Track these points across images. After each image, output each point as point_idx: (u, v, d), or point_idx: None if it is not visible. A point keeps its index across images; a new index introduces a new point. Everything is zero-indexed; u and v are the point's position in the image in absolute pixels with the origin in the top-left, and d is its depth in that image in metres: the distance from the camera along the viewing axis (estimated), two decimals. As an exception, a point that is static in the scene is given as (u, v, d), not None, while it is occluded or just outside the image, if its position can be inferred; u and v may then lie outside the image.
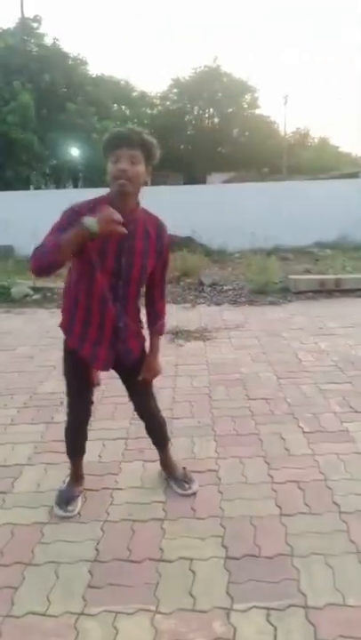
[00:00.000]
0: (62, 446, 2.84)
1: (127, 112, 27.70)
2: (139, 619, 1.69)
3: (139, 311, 2.12)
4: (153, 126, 30.65)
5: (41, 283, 7.84)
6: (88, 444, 2.84)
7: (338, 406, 3.26)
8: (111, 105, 26.09)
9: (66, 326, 2.07)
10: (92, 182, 21.60)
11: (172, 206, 8.16)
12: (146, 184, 1.89)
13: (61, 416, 3.26)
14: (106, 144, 1.85)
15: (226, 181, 23.40)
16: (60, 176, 23.27)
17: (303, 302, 6.55)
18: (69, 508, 2.25)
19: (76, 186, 24.80)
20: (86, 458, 2.70)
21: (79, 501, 2.31)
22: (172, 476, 2.43)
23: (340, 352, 4.36)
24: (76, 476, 2.39)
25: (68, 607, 1.75)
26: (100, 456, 2.74)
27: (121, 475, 2.55)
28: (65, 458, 2.71)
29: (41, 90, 20.74)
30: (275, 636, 1.60)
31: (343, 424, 3.01)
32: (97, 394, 3.57)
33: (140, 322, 2.14)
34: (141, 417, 2.38)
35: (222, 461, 2.64)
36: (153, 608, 1.73)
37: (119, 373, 2.25)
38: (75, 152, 21.50)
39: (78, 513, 2.25)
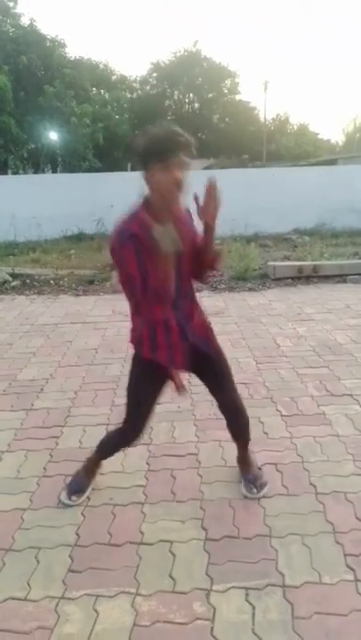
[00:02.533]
0: (42, 432, 2.86)
1: (106, 96, 27.25)
2: (119, 601, 1.71)
3: (195, 299, 2.03)
4: (133, 111, 30.30)
5: (20, 269, 7.74)
6: (69, 430, 2.86)
7: (315, 390, 3.31)
8: (90, 88, 25.65)
9: (136, 341, 2.01)
10: (71, 166, 21.30)
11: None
12: None
13: (41, 402, 3.26)
14: (155, 147, 1.66)
15: (206, 168, 23.29)
16: (39, 160, 22.86)
17: (282, 288, 6.59)
18: (73, 497, 2.23)
19: (55, 170, 24.41)
20: (67, 444, 2.72)
21: (86, 495, 2.27)
22: (244, 474, 2.32)
23: (317, 337, 4.42)
24: (94, 471, 2.33)
25: (49, 592, 1.76)
26: (80, 442, 2.74)
27: (101, 460, 2.55)
28: (46, 444, 2.73)
29: (18, 72, 20.27)
30: (253, 615, 1.64)
31: (320, 407, 3.05)
32: (78, 380, 3.58)
33: (202, 312, 2.09)
34: (227, 413, 2.23)
35: (202, 445, 2.66)
36: (133, 590, 1.75)
37: (200, 373, 2.14)
38: (53, 136, 21.13)
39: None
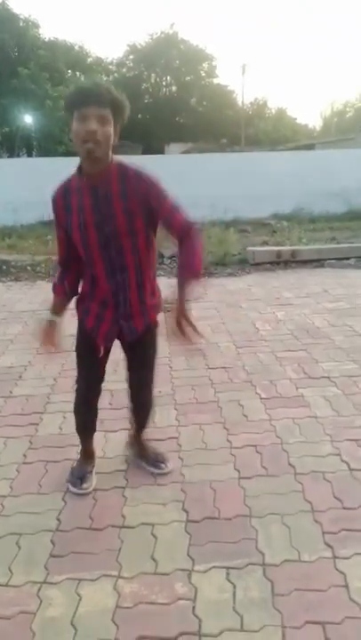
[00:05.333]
0: (21, 419, 2.83)
1: (82, 78, 26.69)
2: (102, 584, 1.72)
3: (149, 282, 1.98)
4: (109, 94, 29.75)
5: (-5, 255, 7.60)
6: (48, 417, 2.84)
7: (293, 373, 3.35)
8: (65, 71, 25.13)
9: (77, 299, 2.08)
10: (46, 150, 20.90)
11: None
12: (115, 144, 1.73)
13: (20, 389, 3.23)
14: (71, 100, 1.63)
15: (185, 152, 23.14)
16: (13, 144, 22.37)
17: (261, 273, 6.62)
18: (84, 485, 2.20)
19: (30, 155, 23.94)
20: (46, 431, 2.70)
21: (93, 478, 2.26)
22: (143, 456, 2.37)
23: (295, 321, 4.46)
24: (87, 454, 2.32)
25: (31, 577, 1.76)
26: (60, 428, 2.73)
27: (82, 446, 2.54)
28: (25, 431, 2.71)
29: (-10, 53, 19.73)
30: (234, 594, 1.66)
31: (298, 390, 3.09)
32: (57, 367, 3.55)
33: (153, 294, 2.02)
34: (131, 389, 2.24)
35: (183, 429, 2.67)
36: (115, 573, 1.76)
37: (122, 345, 2.12)
38: (28, 119, 20.67)
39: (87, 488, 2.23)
